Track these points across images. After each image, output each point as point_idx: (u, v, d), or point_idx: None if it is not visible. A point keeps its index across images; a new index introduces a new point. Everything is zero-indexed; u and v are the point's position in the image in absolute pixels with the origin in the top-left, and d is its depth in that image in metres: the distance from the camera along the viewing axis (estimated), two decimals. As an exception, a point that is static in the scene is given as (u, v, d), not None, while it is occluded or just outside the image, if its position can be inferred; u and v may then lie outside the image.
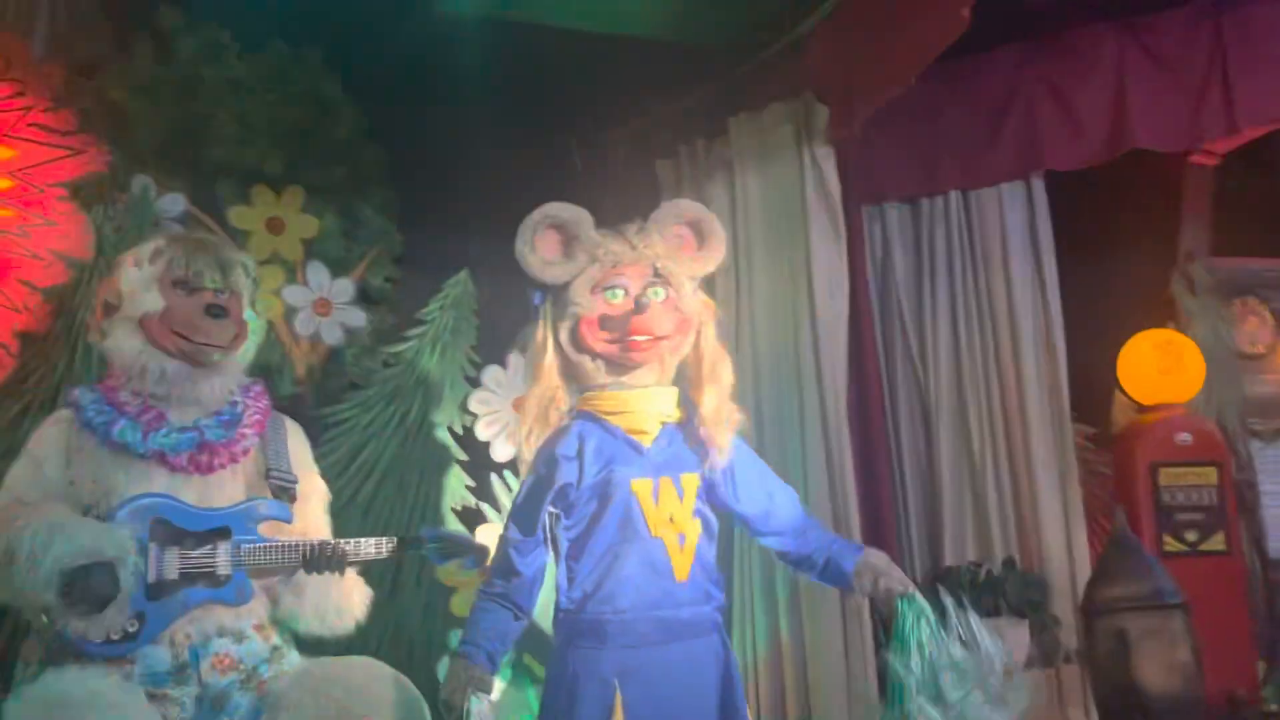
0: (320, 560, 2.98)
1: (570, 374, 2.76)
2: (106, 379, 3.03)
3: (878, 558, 2.75)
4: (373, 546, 3.09)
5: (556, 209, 2.71)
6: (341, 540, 3.03)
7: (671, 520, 2.67)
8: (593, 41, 4.63)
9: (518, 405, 3.92)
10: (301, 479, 3.20)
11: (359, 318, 4.60)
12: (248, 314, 3.17)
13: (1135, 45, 4.48)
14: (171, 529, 2.90)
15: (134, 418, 2.94)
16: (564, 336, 2.73)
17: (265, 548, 2.95)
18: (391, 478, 4.14)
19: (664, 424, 2.75)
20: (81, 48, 4.21)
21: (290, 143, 4.56)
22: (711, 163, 4.56)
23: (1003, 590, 4.22)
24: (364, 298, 4.65)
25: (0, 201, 3.48)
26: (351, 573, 3.10)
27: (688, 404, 2.79)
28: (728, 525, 2.94)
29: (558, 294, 2.74)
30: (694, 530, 2.71)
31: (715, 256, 2.84)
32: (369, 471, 4.12)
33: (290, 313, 4.51)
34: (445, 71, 4.64)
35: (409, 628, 4.10)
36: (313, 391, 4.46)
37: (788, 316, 4.29)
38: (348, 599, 3.10)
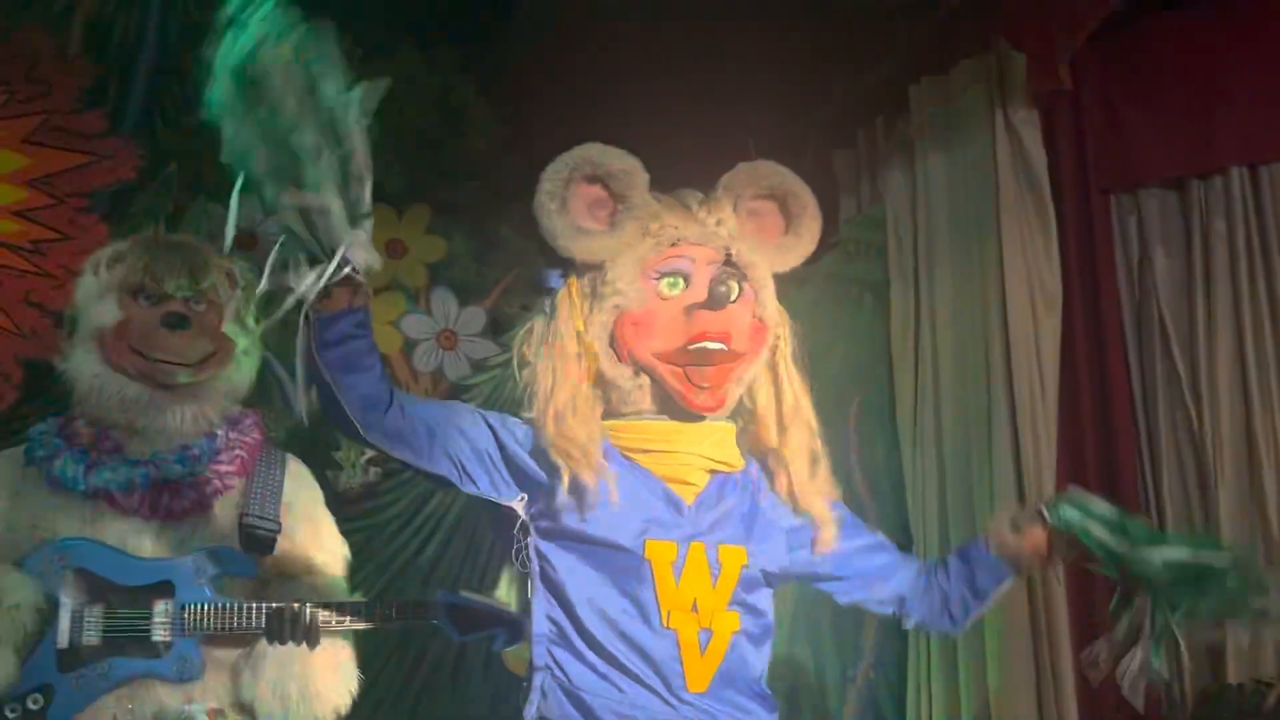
0: (282, 627, 2.38)
1: (603, 393, 1.93)
2: (70, 409, 2.61)
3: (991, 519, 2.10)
4: (361, 613, 2.46)
5: (602, 153, 1.89)
6: (316, 602, 2.42)
7: (695, 608, 1.84)
8: (763, 25, 3.89)
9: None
10: (299, 531, 2.66)
11: (490, 350, 4.01)
12: (232, 329, 2.66)
13: None
14: (95, 581, 2.42)
15: (82, 450, 2.48)
16: (597, 337, 1.90)
17: (217, 610, 2.41)
18: (461, 535, 3.47)
19: (714, 473, 1.92)
20: (192, 62, 3.93)
21: (416, 156, 4.11)
22: (891, 144, 3.64)
23: (1297, 723, 2.94)
24: (496, 328, 4.06)
25: (13, 214, 3.16)
26: (336, 647, 2.50)
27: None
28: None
29: (588, 276, 1.92)
30: (726, 627, 1.86)
31: (805, 247, 2.01)
32: (435, 527, 3.49)
33: (409, 346, 4.00)
34: (597, 68, 4.06)
35: (473, 728, 3.42)
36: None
37: (976, 335, 3.26)
38: (318, 679, 2.48)
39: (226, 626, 2.36)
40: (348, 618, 2.43)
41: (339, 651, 2.52)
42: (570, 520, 1.84)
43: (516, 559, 1.91)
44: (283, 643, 2.35)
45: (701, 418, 1.90)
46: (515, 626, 2.45)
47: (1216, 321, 3.43)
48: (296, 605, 2.37)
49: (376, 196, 3.98)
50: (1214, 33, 3.48)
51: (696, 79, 4.20)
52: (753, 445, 1.98)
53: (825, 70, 4.04)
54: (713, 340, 1.84)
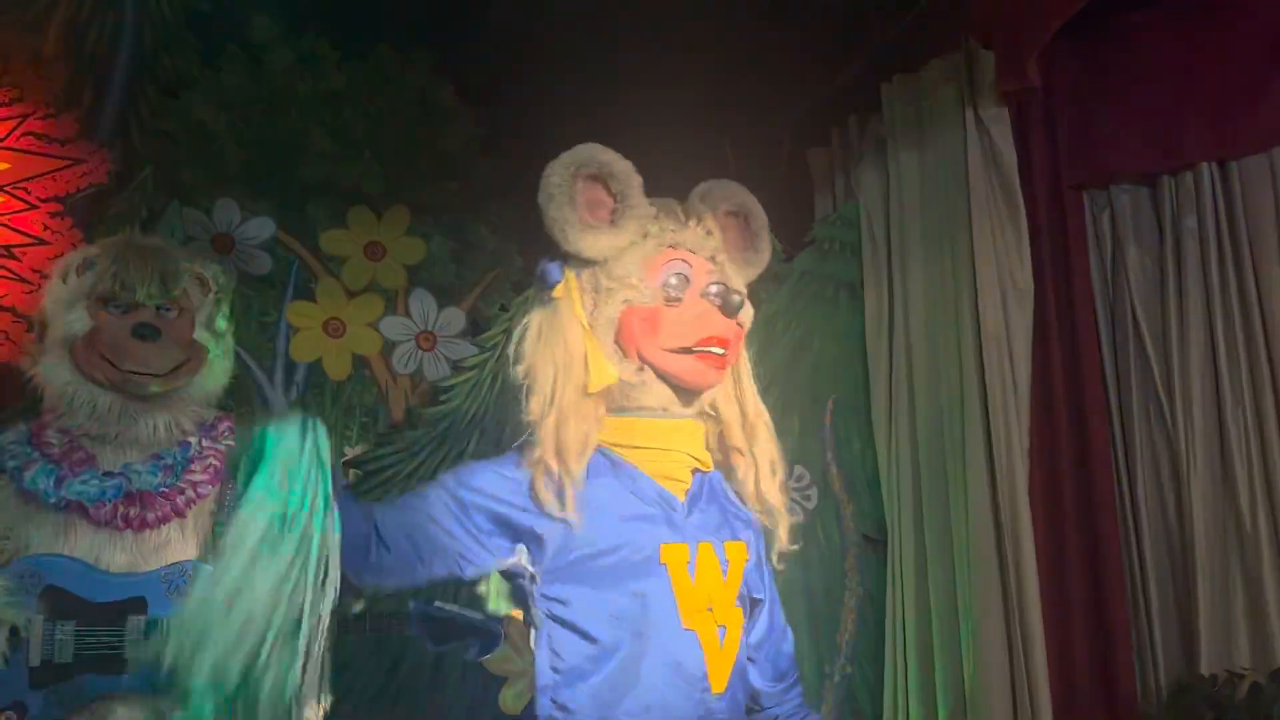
0: None
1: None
2: (41, 415, 2.59)
3: None
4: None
5: (606, 154, 1.98)
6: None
7: (711, 607, 1.89)
8: (737, 27, 3.89)
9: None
10: None
11: (468, 351, 4.01)
12: (204, 335, 2.64)
13: None
14: (68, 599, 2.38)
15: (53, 461, 2.46)
16: (604, 333, 1.96)
17: None
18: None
19: (695, 470, 1.99)
20: (167, 66, 3.93)
21: (394, 158, 4.11)
22: (864, 143, 3.64)
23: (1269, 711, 2.95)
24: (475, 329, 4.06)
25: (-14, 220, 3.17)
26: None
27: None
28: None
29: (588, 271, 1.98)
30: (736, 622, 1.93)
31: (763, 262, 2.15)
32: (413, 528, 3.46)
33: (388, 347, 4.00)
34: (571, 70, 4.07)
35: (452, 731, 3.38)
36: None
37: (949, 331, 3.27)
38: None
39: None
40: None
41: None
42: (576, 555, 1.87)
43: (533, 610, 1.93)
44: None
45: (696, 398, 1.97)
46: (489, 635, 2.45)
47: (1188, 315, 3.43)
48: None
49: (356, 198, 4.01)
50: (1184, 29, 3.47)
51: (671, 81, 4.19)
52: (719, 447, 2.05)
53: (799, 70, 4.05)
54: (719, 345, 1.93)
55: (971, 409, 3.25)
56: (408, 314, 4.05)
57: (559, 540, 1.87)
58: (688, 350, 1.92)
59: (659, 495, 1.92)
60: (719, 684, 1.86)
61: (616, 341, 1.94)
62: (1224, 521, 3.34)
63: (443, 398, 3.74)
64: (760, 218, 2.10)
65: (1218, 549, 3.33)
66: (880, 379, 3.57)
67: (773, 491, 2.01)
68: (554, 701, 1.84)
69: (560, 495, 1.86)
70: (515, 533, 1.90)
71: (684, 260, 1.96)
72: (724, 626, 1.88)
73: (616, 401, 1.94)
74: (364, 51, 4.15)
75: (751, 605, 2.01)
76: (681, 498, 1.93)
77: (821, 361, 3.61)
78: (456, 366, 3.99)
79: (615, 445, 1.94)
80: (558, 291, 1.97)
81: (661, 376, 1.94)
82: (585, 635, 1.85)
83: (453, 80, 4.20)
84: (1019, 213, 3.31)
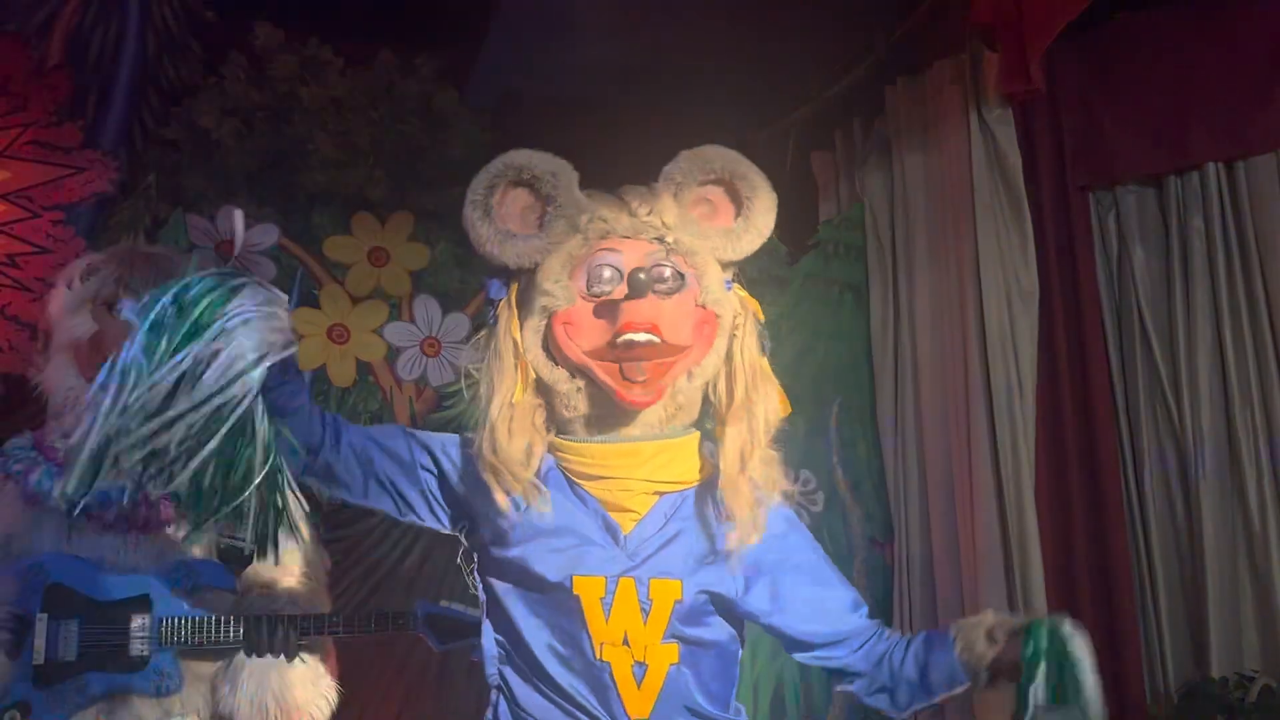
0: (260, 639, 2.36)
1: (545, 400, 1.85)
2: (45, 421, 2.60)
3: (973, 617, 1.84)
4: (339, 625, 2.45)
5: (526, 158, 1.84)
6: (294, 615, 2.40)
7: (626, 642, 1.77)
8: (740, 30, 3.89)
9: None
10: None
11: (474, 358, 4.00)
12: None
13: None
14: (72, 597, 2.39)
15: (58, 465, 2.47)
16: (530, 343, 1.84)
17: (194, 623, 2.38)
18: (443, 543, 3.42)
19: (662, 495, 1.83)
20: (171, 73, 3.94)
21: (398, 164, 4.10)
22: (869, 146, 3.64)
23: (1280, 716, 2.95)
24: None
25: (-10, 228, 3.18)
26: (314, 659, 2.48)
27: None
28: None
29: (525, 281, 1.86)
30: (662, 660, 1.78)
31: (758, 230, 1.88)
32: (417, 535, 3.47)
33: (392, 353, 3.99)
34: (575, 74, 4.07)
35: (457, 733, 3.37)
36: (414, 444, 3.88)
37: (955, 333, 3.26)
38: (295, 691, 2.45)
39: (204, 640, 2.34)
40: (326, 629, 2.44)
41: (317, 663, 2.51)
42: (504, 555, 1.78)
43: (469, 582, 1.86)
44: (260, 655, 2.33)
45: (636, 413, 1.80)
46: None
47: (1195, 316, 3.43)
48: (274, 618, 2.35)
49: (360, 204, 4.00)
50: (1189, 30, 3.48)
51: (674, 84, 4.20)
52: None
53: (802, 73, 4.04)
54: (637, 330, 1.74)
55: (977, 411, 3.25)
56: (412, 320, 4.04)
57: (498, 527, 1.78)
58: (611, 346, 1.76)
59: (605, 524, 1.80)
60: (639, 710, 1.75)
61: (548, 350, 1.82)
62: (1233, 523, 3.34)
63: (447, 403, 3.74)
64: (751, 180, 1.86)
65: (1227, 550, 3.33)
66: (886, 382, 3.57)
67: (731, 488, 1.78)
68: (500, 673, 1.81)
69: (510, 516, 1.75)
70: (461, 510, 1.83)
71: (613, 250, 1.79)
72: (643, 663, 1.76)
73: (575, 410, 1.81)
74: (367, 58, 4.14)
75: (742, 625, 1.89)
76: (627, 529, 1.79)
77: (827, 364, 3.61)
78: (460, 372, 3.98)
79: (571, 471, 1.83)
80: (501, 307, 1.88)
81: (594, 384, 1.79)
82: (514, 629, 1.79)
83: (456, 85, 4.19)
84: (1024, 214, 3.31)
